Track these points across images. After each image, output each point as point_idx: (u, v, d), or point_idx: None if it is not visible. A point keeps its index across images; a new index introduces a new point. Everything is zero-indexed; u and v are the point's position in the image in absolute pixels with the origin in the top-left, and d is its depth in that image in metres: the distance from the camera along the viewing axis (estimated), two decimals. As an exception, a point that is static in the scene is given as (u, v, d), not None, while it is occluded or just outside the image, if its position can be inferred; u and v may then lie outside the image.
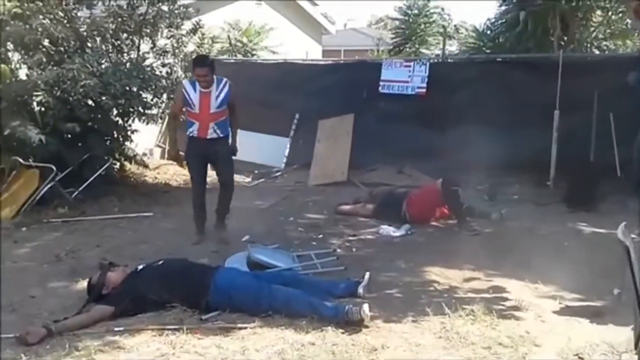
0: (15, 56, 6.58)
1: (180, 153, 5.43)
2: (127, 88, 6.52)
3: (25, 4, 6.32)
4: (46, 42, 6.53)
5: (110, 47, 6.99)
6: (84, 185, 6.38)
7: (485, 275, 4.13)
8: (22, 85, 6.24)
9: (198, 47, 7.66)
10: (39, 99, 6.17)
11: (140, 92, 6.77)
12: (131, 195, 6.89)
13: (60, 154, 6.29)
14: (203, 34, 7.72)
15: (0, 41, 6.24)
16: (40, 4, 6.40)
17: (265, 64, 10.14)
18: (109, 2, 6.93)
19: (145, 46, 7.22)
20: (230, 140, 5.17)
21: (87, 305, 3.48)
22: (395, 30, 15.76)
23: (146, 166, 7.87)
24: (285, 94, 8.71)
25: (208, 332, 3.13)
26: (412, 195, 5.82)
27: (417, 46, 14.55)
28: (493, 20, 10.76)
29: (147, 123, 7.10)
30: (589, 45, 9.89)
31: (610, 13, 9.66)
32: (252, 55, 11.42)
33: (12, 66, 6.47)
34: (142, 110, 6.93)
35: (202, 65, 4.90)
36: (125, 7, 6.91)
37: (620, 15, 9.53)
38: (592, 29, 9.85)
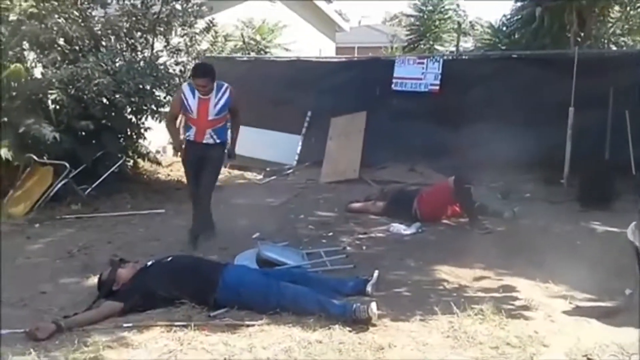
0: (30, 55, 6.66)
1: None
2: (141, 86, 6.60)
3: (41, 4, 6.40)
4: (61, 41, 6.63)
5: (124, 45, 7.06)
6: (97, 182, 6.45)
7: (496, 274, 4.08)
8: (37, 83, 6.34)
9: (211, 45, 7.71)
10: (53, 97, 6.26)
11: (154, 90, 6.86)
12: (144, 192, 6.96)
13: (74, 151, 6.37)
14: (216, 32, 7.75)
15: (16, 40, 6.32)
16: (56, 3, 6.49)
17: (278, 62, 10.12)
18: (123, 1, 7.00)
19: (159, 44, 7.28)
20: (226, 147, 5.11)
21: (97, 301, 3.51)
22: (410, 27, 15.67)
23: (159, 163, 7.95)
24: (298, 92, 8.69)
25: (216, 329, 3.14)
26: (423, 193, 5.78)
27: (431, 43, 14.46)
28: (509, 16, 10.69)
29: (160, 121, 7.10)
30: (606, 41, 9.75)
31: (628, 8, 9.52)
32: (266, 52, 11.44)
33: (28, 65, 6.54)
34: (155, 108, 6.99)
35: (202, 76, 4.74)
36: (139, 6, 6.97)
37: (639, 10, 9.38)
38: (610, 24, 9.70)
